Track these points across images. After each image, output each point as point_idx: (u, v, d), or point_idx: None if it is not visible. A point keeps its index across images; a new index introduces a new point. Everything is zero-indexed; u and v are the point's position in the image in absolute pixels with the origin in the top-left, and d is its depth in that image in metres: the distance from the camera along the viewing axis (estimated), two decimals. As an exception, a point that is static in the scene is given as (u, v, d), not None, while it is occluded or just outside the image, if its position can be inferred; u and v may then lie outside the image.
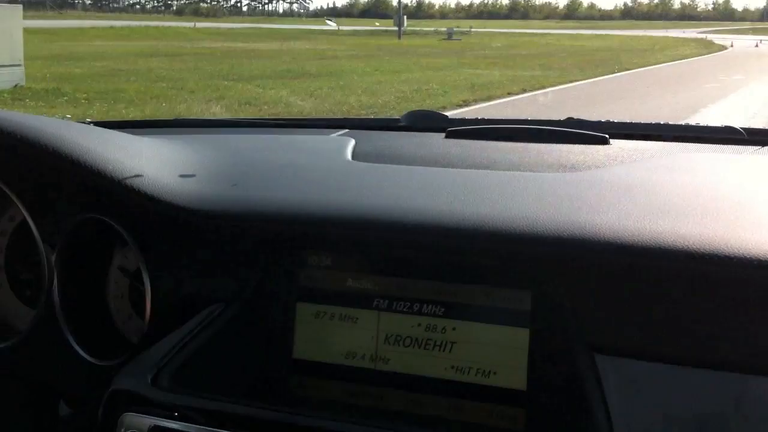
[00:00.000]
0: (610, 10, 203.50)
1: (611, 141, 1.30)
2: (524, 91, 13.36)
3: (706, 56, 28.90)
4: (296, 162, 1.11)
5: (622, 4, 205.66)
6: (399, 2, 54.19)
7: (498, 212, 0.83)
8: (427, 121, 1.55)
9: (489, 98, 12.12)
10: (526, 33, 60.51)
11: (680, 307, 0.74)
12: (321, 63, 18.74)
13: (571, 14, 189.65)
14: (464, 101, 11.48)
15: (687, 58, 26.60)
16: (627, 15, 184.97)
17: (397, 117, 1.57)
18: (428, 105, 10.46)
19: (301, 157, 1.16)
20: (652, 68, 21.09)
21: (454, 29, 51.32)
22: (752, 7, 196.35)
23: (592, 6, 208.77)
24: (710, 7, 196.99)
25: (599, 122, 1.48)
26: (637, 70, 20.08)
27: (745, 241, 0.75)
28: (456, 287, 0.80)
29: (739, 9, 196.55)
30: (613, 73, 18.45)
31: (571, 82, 15.74)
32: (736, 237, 0.76)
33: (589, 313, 0.76)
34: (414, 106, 9.83)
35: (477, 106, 11.12)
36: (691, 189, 0.94)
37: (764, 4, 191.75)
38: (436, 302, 0.80)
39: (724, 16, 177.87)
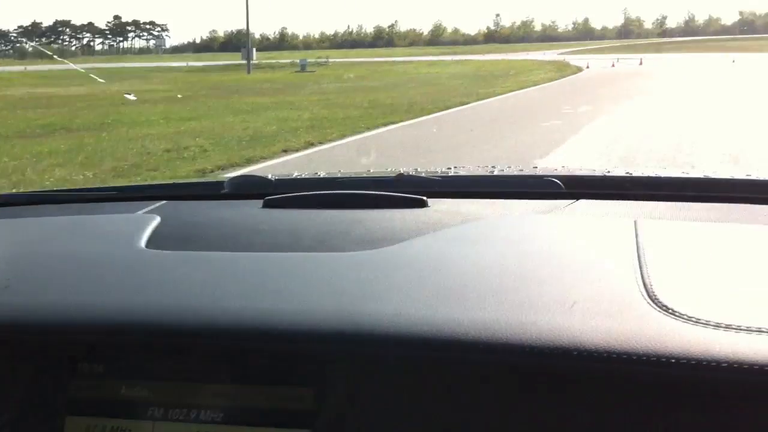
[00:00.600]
0: (474, 35, 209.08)
1: (430, 202, 1.34)
2: (311, 145, 11.04)
3: (558, 81, 28.13)
4: (81, 253, 1.09)
5: (485, 28, 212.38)
6: (248, 34, 52.14)
7: (280, 307, 0.84)
8: (249, 187, 1.58)
9: (249, 161, 9.59)
10: (386, 62, 60.49)
11: (460, 399, 0.75)
12: (107, 111, 16.49)
13: (435, 40, 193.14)
14: (212, 169, 9.00)
15: (538, 84, 25.65)
16: (490, 39, 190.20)
17: (222, 180, 1.59)
18: (158, 174, 8.38)
19: (89, 246, 1.13)
20: (493, 101, 19.43)
21: (307, 60, 50.58)
22: (611, 26, 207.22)
23: (456, 31, 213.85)
24: (570, 27, 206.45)
25: (424, 179, 1.54)
26: (477, 103, 18.48)
27: (515, 326, 0.76)
28: (236, 389, 0.79)
29: (598, 28, 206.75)
30: (447, 109, 16.69)
31: (387, 125, 13.61)
32: (507, 321, 0.77)
33: (373, 408, 0.76)
34: (125, 181, 7.85)
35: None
36: (485, 264, 0.97)
37: (621, 22, 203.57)
38: (214, 407, 0.79)
39: (584, 35, 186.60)
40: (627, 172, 1.61)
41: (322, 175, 1.73)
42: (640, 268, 0.92)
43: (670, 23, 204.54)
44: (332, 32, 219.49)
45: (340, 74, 36.37)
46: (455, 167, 1.81)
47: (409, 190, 1.41)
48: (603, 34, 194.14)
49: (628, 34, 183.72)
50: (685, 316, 0.77)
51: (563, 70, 36.29)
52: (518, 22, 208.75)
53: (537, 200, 1.39)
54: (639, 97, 18.45)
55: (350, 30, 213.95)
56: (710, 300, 0.82)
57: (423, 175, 1.60)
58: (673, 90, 20.86)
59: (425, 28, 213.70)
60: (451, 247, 1.05)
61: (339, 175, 1.66)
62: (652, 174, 1.59)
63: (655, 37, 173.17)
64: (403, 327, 0.77)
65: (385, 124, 13.68)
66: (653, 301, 0.81)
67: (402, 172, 1.58)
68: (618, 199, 1.40)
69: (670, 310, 0.79)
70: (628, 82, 25.79)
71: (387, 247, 1.05)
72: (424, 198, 1.35)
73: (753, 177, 1.55)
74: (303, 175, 1.77)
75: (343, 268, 0.97)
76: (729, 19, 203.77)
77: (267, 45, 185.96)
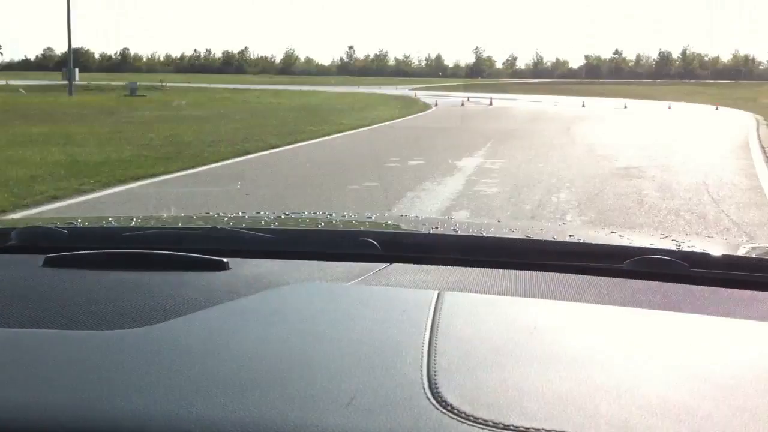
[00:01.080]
0: (328, 66, 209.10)
1: (233, 263, 1.31)
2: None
3: (399, 120, 25.79)
4: None
5: (339, 59, 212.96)
6: (69, 53, 47.57)
7: (18, 403, 0.79)
8: (39, 239, 1.50)
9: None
10: (229, 89, 57.89)
11: None
12: None
13: (287, 69, 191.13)
14: None
15: (376, 123, 23.15)
16: (344, 70, 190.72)
17: (11, 228, 1.54)
18: None
19: None
20: (314, 145, 16.52)
21: (138, 84, 47.04)
22: (462, 63, 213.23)
23: (309, 61, 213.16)
24: (423, 63, 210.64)
25: (233, 233, 1.51)
26: (292, 147, 15.73)
27: (274, 429, 0.74)
28: None
29: (450, 65, 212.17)
30: (246, 154, 13.72)
31: (140, 179, 10.31)
32: (268, 422, 0.75)
33: None
34: None
35: None
36: (267, 346, 0.94)
37: (473, 60, 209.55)
38: None
39: (436, 71, 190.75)
40: (454, 229, 1.66)
41: (121, 224, 1.69)
42: (428, 354, 0.90)
43: (520, 64, 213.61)
44: (179, 55, 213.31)
45: (170, 101, 34.15)
46: (279, 215, 1.85)
47: (213, 249, 1.40)
48: (455, 72, 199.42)
49: (480, 73, 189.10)
50: (463, 415, 0.76)
51: (410, 107, 34.82)
52: (372, 55, 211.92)
53: (350, 262, 1.40)
54: (486, 147, 16.02)
55: (198, 54, 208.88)
56: (496, 395, 0.81)
57: (236, 227, 1.59)
58: (527, 137, 18.93)
59: (278, 56, 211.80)
60: (237, 322, 1.03)
61: (143, 224, 1.64)
62: (474, 233, 1.65)
63: (506, 77, 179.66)
64: (142, 429, 0.73)
65: (138, 178, 10.36)
66: (434, 396, 0.80)
67: (216, 225, 1.59)
68: (434, 264, 1.43)
69: (449, 407, 0.78)
70: (476, 123, 24.35)
71: (165, 322, 1.02)
72: (224, 260, 1.33)
73: (578, 239, 1.59)
74: (101, 223, 1.73)
75: (110, 351, 0.92)
76: (575, 62, 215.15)
77: (108, 65, 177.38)
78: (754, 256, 1.65)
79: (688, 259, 1.45)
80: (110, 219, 1.80)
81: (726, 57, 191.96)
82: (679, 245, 1.58)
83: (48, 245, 1.42)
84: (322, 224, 1.80)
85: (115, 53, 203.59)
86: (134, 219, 1.77)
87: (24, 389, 0.81)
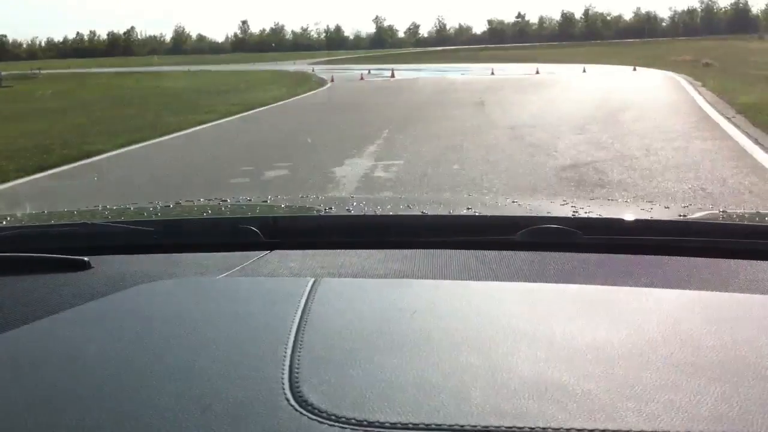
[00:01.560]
0: (221, 43, 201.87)
1: (97, 261, 1.29)
2: None
3: (283, 102, 21.77)
4: None
5: (233, 35, 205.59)
6: None
7: None
8: None
9: None
10: (113, 73, 53.51)
11: None
12: None
13: (178, 48, 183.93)
14: None
15: (253, 109, 19.14)
16: (239, 47, 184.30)
17: None
18: None
19: None
20: (152, 146, 12.86)
21: (2, 73, 41.91)
22: (363, 34, 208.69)
23: (201, 38, 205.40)
24: (323, 36, 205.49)
25: (107, 227, 1.48)
26: (121, 151, 12.07)
27: None
28: None
29: (351, 37, 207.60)
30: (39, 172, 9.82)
31: None
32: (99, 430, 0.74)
33: None
34: None
35: None
36: (110, 354, 0.91)
37: (374, 30, 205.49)
38: None
39: (338, 44, 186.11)
40: (347, 209, 1.69)
41: None
42: (293, 349, 0.89)
43: (423, 32, 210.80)
44: (61, 38, 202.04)
45: (36, 90, 31.51)
46: (167, 204, 1.83)
47: (78, 247, 1.37)
48: (356, 43, 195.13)
49: (382, 44, 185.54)
50: (324, 414, 0.75)
51: (302, 84, 30.99)
52: (267, 30, 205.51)
53: (230, 252, 1.38)
54: (382, 139, 12.12)
55: (80, 37, 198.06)
56: (362, 390, 0.80)
57: (105, 221, 1.57)
58: (434, 119, 15.05)
59: (168, 35, 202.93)
60: (86, 327, 1.00)
61: (8, 222, 1.61)
62: (368, 212, 1.67)
63: (410, 46, 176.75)
64: None
65: None
66: (294, 396, 0.79)
67: (87, 220, 1.55)
68: (319, 248, 1.42)
69: (309, 407, 0.77)
70: (373, 101, 20.58)
71: (8, 332, 0.99)
72: (85, 259, 1.29)
73: (474, 212, 1.58)
74: None
75: None
76: (479, 28, 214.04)
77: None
78: (649, 218, 1.60)
79: (583, 226, 1.45)
80: None
81: (628, 16, 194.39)
82: (576, 212, 1.57)
83: None
84: (209, 212, 1.75)
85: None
86: (5, 219, 1.68)
87: None
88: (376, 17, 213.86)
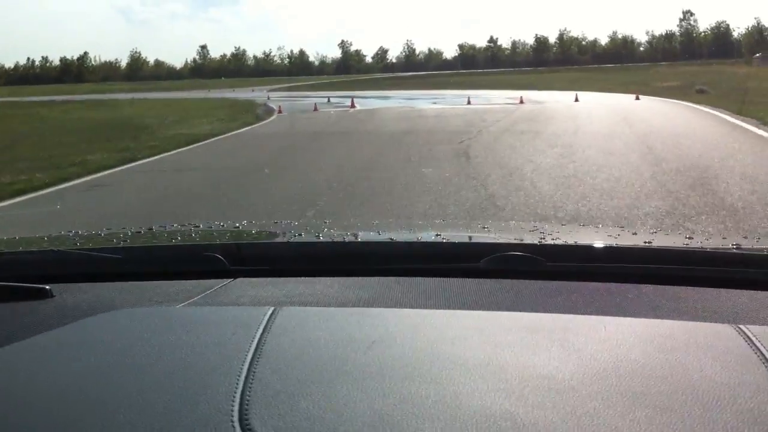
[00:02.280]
0: (180, 68, 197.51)
1: (60, 289, 1.33)
2: None
3: (206, 143, 17.62)
4: None
5: (192, 60, 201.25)
6: None
7: None
8: None
9: None
10: (45, 102, 50.15)
11: None
12: None
13: (134, 74, 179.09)
14: None
15: (155, 156, 14.76)
16: (198, 73, 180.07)
17: None
18: None
19: None
20: None
21: None
22: (330, 59, 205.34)
23: (159, 64, 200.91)
24: (286, 61, 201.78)
25: (77, 255, 1.52)
26: None
27: None
28: None
29: (316, 63, 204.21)
30: None
31: None
32: None
33: None
34: None
35: None
36: (59, 385, 0.92)
37: (339, 55, 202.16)
38: None
39: (301, 69, 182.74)
40: (316, 235, 1.74)
41: None
42: (245, 380, 0.90)
43: (392, 57, 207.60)
44: (12, 64, 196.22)
45: None
46: (138, 230, 1.88)
47: (42, 274, 1.41)
48: (321, 69, 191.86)
49: (348, 69, 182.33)
50: None
51: (241, 116, 26.80)
52: (228, 55, 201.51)
53: (192, 280, 1.42)
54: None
55: (31, 63, 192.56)
56: (311, 422, 0.82)
57: (71, 249, 1.60)
58: (394, 184, 9.83)
59: (124, 60, 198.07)
60: (39, 358, 1.02)
61: None
62: (336, 239, 1.72)
63: (378, 72, 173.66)
64: None
65: None
66: (242, 428, 0.80)
67: (54, 248, 1.60)
68: (283, 276, 1.47)
69: None
70: (318, 143, 15.56)
71: None
72: (46, 287, 1.33)
73: (442, 239, 1.66)
74: None
75: None
76: (449, 53, 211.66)
77: None
78: (614, 246, 1.63)
79: (546, 254, 1.49)
80: None
81: (604, 40, 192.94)
82: (543, 239, 1.62)
83: None
84: (178, 238, 1.78)
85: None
86: None
87: None
88: (342, 42, 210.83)
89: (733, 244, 1.64)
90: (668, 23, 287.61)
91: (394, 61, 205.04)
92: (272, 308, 1.15)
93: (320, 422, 0.80)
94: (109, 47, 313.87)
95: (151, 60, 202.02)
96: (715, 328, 1.10)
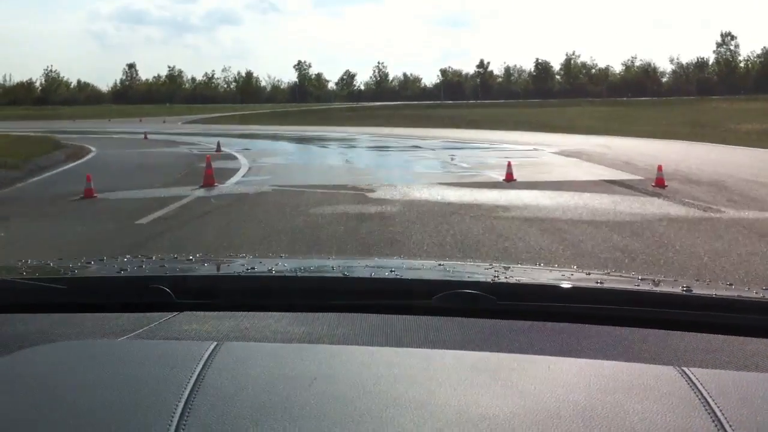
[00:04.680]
0: (105, 92, 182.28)
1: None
2: None
3: None
4: None
5: (118, 81, 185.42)
6: None
7: None
8: None
9: None
10: None
11: None
12: None
13: (48, 97, 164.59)
14: None
15: None
16: (122, 97, 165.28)
17: None
18: None
19: None
20: None
21: None
22: (285, 83, 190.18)
23: (84, 86, 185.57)
24: (232, 85, 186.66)
25: (21, 284, 1.63)
26: None
27: None
28: None
29: (268, 88, 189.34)
30: None
31: None
32: None
33: None
34: None
35: None
36: None
37: (295, 79, 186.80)
38: None
39: (250, 96, 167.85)
40: (269, 269, 1.85)
41: None
42: (180, 417, 0.95)
43: (359, 82, 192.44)
44: None
45: None
46: (88, 262, 1.96)
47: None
48: (272, 95, 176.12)
49: (305, 96, 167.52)
50: None
51: None
52: (162, 76, 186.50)
53: (136, 313, 1.50)
54: None
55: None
56: None
57: (17, 278, 1.67)
58: None
59: (41, 80, 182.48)
60: None
61: None
62: (287, 274, 1.85)
63: (342, 100, 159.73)
64: None
65: None
66: None
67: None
68: (229, 310, 1.54)
69: None
70: None
71: None
72: None
73: (395, 275, 1.78)
74: None
75: None
76: (429, 79, 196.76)
77: None
78: (565, 286, 1.71)
79: (497, 292, 1.59)
80: None
81: (617, 67, 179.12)
82: (497, 277, 1.73)
83: None
84: (127, 269, 1.86)
85: None
86: None
87: None
88: (299, 63, 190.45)
89: (683, 287, 1.72)
90: (700, 49, 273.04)
91: (362, 88, 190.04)
92: (214, 343, 1.20)
93: None
94: (78, 70, 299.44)
95: (73, 80, 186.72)
96: (659, 370, 1.17)
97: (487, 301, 1.56)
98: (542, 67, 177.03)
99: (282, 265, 1.97)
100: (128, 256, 2.09)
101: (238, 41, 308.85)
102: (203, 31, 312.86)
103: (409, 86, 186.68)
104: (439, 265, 2.03)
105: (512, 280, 1.75)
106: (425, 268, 2.15)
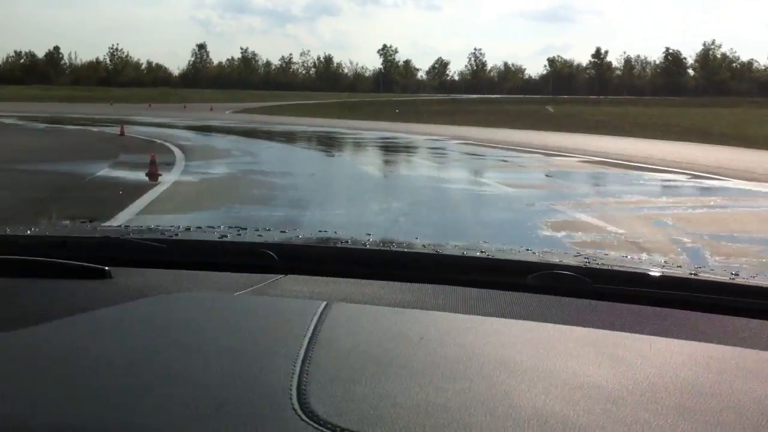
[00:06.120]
0: (176, 74, 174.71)
1: (117, 272, 1.55)
2: None
3: None
4: None
5: (189, 63, 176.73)
6: None
7: None
8: None
9: None
10: None
11: None
12: None
13: (112, 78, 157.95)
14: None
15: None
16: (189, 81, 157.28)
17: None
18: None
19: None
20: None
21: None
22: (369, 71, 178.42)
23: (156, 67, 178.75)
24: (312, 72, 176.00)
25: (127, 242, 1.79)
26: None
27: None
28: None
29: (350, 75, 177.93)
30: None
31: None
32: (113, 427, 0.87)
33: None
34: None
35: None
36: (128, 357, 1.06)
37: (380, 66, 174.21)
38: None
39: (328, 83, 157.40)
40: (363, 243, 1.96)
41: (9, 232, 1.99)
42: (302, 365, 1.02)
43: (453, 71, 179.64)
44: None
45: None
46: (178, 227, 2.14)
47: (99, 257, 1.63)
48: (354, 84, 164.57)
49: (389, 85, 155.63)
50: (328, 426, 0.87)
51: None
52: (236, 59, 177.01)
53: (246, 273, 1.62)
54: None
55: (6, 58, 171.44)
56: (367, 406, 0.92)
57: (127, 236, 1.86)
58: None
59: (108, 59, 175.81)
60: (104, 331, 1.17)
61: (31, 233, 1.94)
62: (382, 248, 1.95)
63: (431, 91, 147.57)
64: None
65: None
66: (301, 407, 0.91)
67: (110, 234, 1.89)
68: (332, 276, 1.66)
69: (315, 418, 0.88)
70: None
71: (29, 327, 1.17)
72: (106, 268, 1.54)
73: (486, 255, 1.86)
74: None
75: None
76: (534, 69, 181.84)
77: None
78: (657, 274, 1.77)
79: (593, 275, 1.66)
80: (7, 229, 2.04)
81: (762, 60, 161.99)
82: (588, 263, 1.79)
83: None
84: (228, 237, 1.98)
85: None
86: (30, 229, 1.99)
87: None
88: (384, 47, 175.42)
89: None
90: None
91: (455, 78, 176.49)
92: (324, 303, 1.28)
93: (375, 407, 0.91)
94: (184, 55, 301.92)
95: (143, 61, 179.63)
96: (764, 355, 1.20)
97: (582, 282, 1.62)
98: (673, 59, 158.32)
99: (374, 239, 2.03)
100: (223, 226, 2.20)
101: (337, 32, 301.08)
102: (304, 21, 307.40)
103: (510, 77, 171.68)
104: (527, 250, 2.06)
105: (605, 266, 1.79)
106: (515, 251, 2.11)
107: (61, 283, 1.46)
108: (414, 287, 1.58)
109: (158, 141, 23.38)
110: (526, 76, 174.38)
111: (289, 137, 28.97)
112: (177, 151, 19.63)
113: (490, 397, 0.95)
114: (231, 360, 1.04)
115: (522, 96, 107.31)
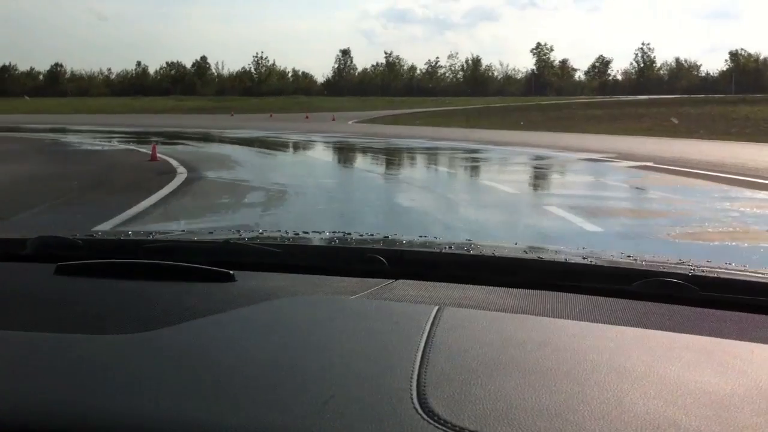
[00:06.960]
0: (323, 82, 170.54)
1: (240, 275, 1.62)
2: None
3: None
4: None
5: (333, 70, 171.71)
6: None
7: (16, 401, 0.98)
8: (53, 248, 1.82)
9: None
10: None
11: None
12: None
13: (257, 88, 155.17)
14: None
15: None
16: (332, 88, 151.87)
17: (25, 238, 1.84)
18: None
19: None
20: None
21: None
22: (521, 73, 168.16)
23: (304, 76, 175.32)
24: (459, 76, 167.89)
25: (248, 247, 1.90)
26: None
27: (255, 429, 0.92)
28: None
29: (499, 78, 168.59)
30: None
31: None
32: (245, 422, 0.93)
33: None
34: None
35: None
36: (259, 354, 1.15)
37: (532, 67, 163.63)
38: None
39: (475, 88, 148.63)
40: (466, 249, 1.96)
41: (137, 237, 2.04)
42: (420, 366, 1.08)
43: (615, 70, 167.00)
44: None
45: None
46: (296, 233, 2.19)
47: (222, 261, 1.69)
48: (502, 87, 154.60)
49: (543, 88, 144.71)
50: (449, 425, 0.91)
51: None
52: (379, 64, 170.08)
53: (358, 278, 1.68)
54: None
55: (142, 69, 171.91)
56: (484, 406, 0.97)
57: (246, 242, 1.95)
58: None
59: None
60: (234, 331, 1.25)
61: (158, 238, 2.02)
62: (485, 253, 1.95)
63: (588, 94, 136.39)
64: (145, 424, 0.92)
65: None
66: (421, 406, 0.95)
67: (229, 238, 1.95)
68: (441, 281, 1.69)
69: (435, 417, 0.93)
70: None
71: (163, 328, 1.24)
72: (230, 272, 1.61)
73: (590, 261, 1.88)
74: (118, 236, 2.09)
75: (99, 353, 1.13)
76: (713, 64, 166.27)
77: None
78: (765, 281, 1.79)
79: (699, 283, 1.65)
80: (129, 232, 2.10)
81: None
82: (693, 270, 1.78)
83: (63, 254, 1.71)
84: (336, 242, 2.10)
85: None
86: (152, 233, 2.10)
87: (22, 389, 1.00)
88: (537, 46, 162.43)
89: None
90: None
91: (618, 77, 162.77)
92: (437, 307, 1.34)
93: (492, 408, 0.95)
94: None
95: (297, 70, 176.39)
96: None
97: (689, 290, 1.62)
98: None
99: (477, 246, 2.04)
100: (329, 232, 2.27)
101: (496, 38, 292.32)
102: (463, 27, 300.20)
103: (683, 75, 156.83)
104: (628, 257, 2.05)
105: (711, 274, 1.77)
106: (616, 258, 2.12)
107: (187, 286, 1.53)
108: (519, 293, 1.61)
109: (175, 163, 18.29)
110: (702, 73, 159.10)
111: (390, 155, 24.36)
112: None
113: (602, 401, 0.98)
114: (353, 361, 1.10)
115: (701, 96, 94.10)
